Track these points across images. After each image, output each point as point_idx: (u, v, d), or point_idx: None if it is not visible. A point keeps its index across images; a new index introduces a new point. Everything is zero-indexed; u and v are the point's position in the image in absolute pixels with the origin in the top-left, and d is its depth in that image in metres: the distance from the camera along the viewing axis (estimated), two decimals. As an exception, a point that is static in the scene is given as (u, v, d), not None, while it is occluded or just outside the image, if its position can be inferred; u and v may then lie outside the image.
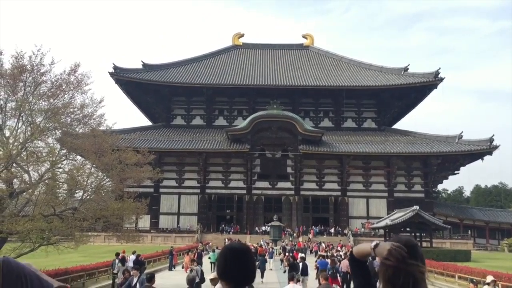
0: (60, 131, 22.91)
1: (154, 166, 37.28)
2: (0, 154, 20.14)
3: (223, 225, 61.39)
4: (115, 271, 22.22)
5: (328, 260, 21.48)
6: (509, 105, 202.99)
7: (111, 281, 23.10)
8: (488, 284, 11.59)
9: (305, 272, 20.25)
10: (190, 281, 11.83)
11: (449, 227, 54.64)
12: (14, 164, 20.52)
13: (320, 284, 11.76)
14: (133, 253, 26.59)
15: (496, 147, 59.64)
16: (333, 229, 59.97)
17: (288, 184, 63.99)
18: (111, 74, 65.93)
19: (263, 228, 58.34)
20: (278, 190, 63.84)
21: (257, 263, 28.13)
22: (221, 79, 69.63)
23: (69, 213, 22.11)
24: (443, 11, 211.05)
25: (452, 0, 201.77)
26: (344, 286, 20.50)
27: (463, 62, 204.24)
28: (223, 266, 2.47)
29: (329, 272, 18.58)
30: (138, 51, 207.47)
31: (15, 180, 21.01)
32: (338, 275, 20.05)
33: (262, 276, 27.29)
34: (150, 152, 31.09)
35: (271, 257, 31.65)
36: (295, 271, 18.29)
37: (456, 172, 66.44)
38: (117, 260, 22.51)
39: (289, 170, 64.48)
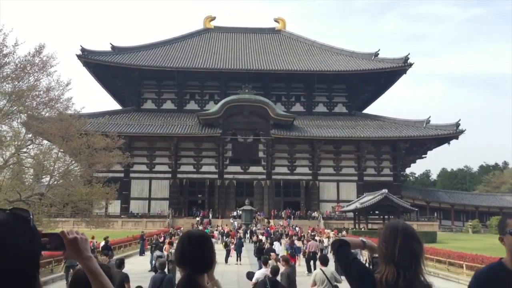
0: (25, 114, 22.27)
1: (124, 150, 36.74)
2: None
3: (195, 210, 61.36)
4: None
5: (288, 241, 24.52)
6: (476, 90, 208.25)
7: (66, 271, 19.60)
8: None
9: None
10: (161, 266, 11.67)
11: (416, 209, 56.09)
12: (-24, 149, 19.88)
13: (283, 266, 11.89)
14: (104, 239, 26.24)
15: (462, 131, 61.10)
16: (309, 212, 60.86)
17: (259, 169, 64.18)
18: (78, 56, 64.24)
19: (235, 213, 58.54)
20: (250, 175, 63.97)
21: (232, 246, 28.68)
22: (193, 62, 68.81)
23: (36, 198, 21.65)
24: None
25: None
26: (311, 263, 22.66)
27: (434, 49, 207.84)
28: (180, 252, 2.48)
29: (289, 251, 21.59)
30: (107, 33, 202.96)
31: (-22, 165, 20.38)
32: (296, 254, 23.21)
33: (238, 259, 27.55)
34: (119, 136, 30.67)
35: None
36: (262, 254, 18.79)
37: (423, 156, 67.89)
38: None
39: (260, 154, 64.61)
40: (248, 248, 32.07)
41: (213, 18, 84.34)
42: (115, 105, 77.40)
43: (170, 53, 72.13)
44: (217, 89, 70.58)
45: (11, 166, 21.44)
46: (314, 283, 10.70)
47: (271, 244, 24.95)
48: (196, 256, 2.45)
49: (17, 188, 20.22)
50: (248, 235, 42.38)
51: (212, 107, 63.95)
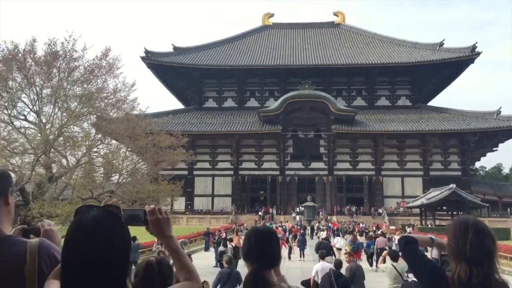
0: (94, 116, 23.34)
1: (187, 148, 37.66)
2: (38, 139, 20.69)
3: (257, 206, 61.88)
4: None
5: (351, 237, 24.93)
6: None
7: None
8: None
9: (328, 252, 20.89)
10: (229, 261, 12.03)
11: (487, 205, 53.40)
12: (52, 149, 21.07)
13: (348, 263, 12.35)
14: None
15: (537, 122, 57.46)
16: (373, 208, 59.56)
17: (321, 164, 63.62)
18: (142, 58, 66.56)
19: (297, 209, 58.42)
20: (311, 171, 63.57)
21: (294, 243, 28.81)
22: (252, 60, 69.31)
23: (106, 196, 22.57)
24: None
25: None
26: (379, 259, 22.82)
27: (504, 36, 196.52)
28: (247, 248, 2.54)
29: (351, 247, 22.02)
30: (168, 34, 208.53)
31: (53, 164, 21.60)
32: (358, 249, 23.49)
33: (302, 255, 27.56)
34: (183, 135, 31.42)
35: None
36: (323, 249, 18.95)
37: (494, 149, 64.66)
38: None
39: (322, 150, 64.04)
40: (311, 245, 31.94)
41: (272, 15, 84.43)
42: (178, 104, 79.63)
43: (229, 51, 73.05)
44: (277, 85, 70.65)
45: (83, 165, 22.54)
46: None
47: (327, 239, 24.81)
48: (263, 251, 2.49)
49: (89, 186, 21.23)
50: (308, 231, 42.07)
51: (272, 104, 64.12)
